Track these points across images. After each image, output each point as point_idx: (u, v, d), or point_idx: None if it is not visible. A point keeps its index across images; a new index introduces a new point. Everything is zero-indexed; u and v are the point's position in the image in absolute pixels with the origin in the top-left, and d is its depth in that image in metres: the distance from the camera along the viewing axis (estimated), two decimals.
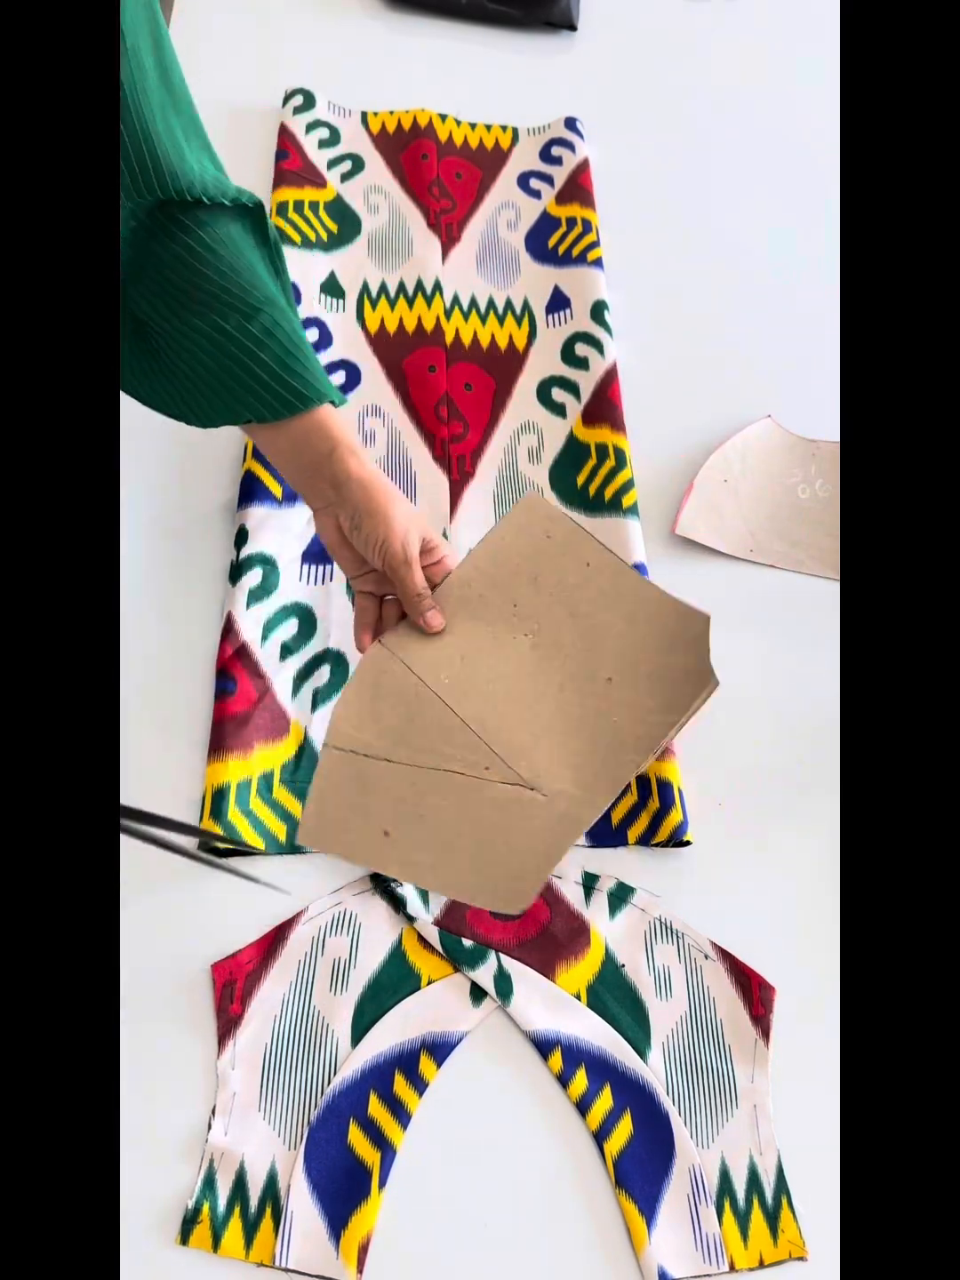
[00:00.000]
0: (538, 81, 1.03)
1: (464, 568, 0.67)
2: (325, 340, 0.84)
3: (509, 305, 0.87)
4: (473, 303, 0.87)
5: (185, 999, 0.58)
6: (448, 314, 0.86)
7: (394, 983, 0.59)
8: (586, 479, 0.78)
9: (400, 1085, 0.56)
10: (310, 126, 0.96)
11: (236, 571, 0.71)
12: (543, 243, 0.91)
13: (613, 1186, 0.54)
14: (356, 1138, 0.54)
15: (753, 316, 0.88)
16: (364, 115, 0.98)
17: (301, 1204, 0.53)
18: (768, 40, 1.09)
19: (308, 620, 0.71)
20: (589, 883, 0.62)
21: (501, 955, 0.59)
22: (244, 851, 0.63)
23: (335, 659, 0.69)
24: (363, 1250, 0.52)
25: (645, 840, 0.63)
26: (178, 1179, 0.53)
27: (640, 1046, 0.57)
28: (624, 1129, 0.55)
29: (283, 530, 0.73)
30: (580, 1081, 0.56)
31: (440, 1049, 0.57)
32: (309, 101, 0.97)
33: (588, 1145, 0.55)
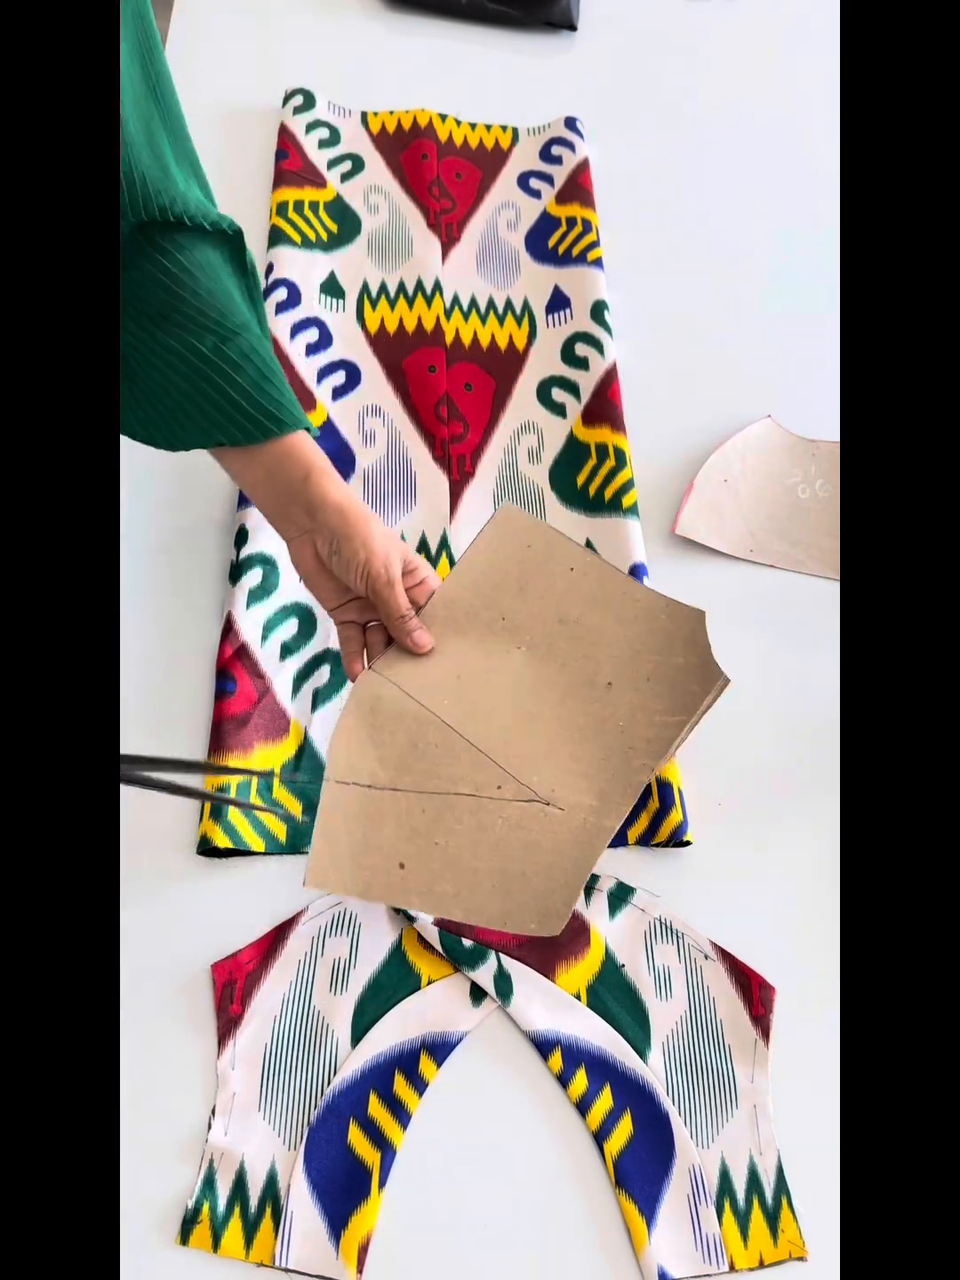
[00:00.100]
0: (538, 81, 1.03)
1: (448, 586, 0.65)
2: (325, 340, 0.84)
3: (509, 305, 0.87)
4: (473, 303, 0.87)
5: (185, 999, 0.58)
6: (448, 314, 0.86)
7: (394, 983, 0.59)
8: (586, 479, 0.78)
9: (400, 1085, 0.56)
10: (310, 126, 0.96)
11: (236, 571, 0.71)
12: (543, 243, 0.91)
13: (613, 1186, 0.54)
14: (356, 1138, 0.54)
15: (753, 316, 0.88)
16: (364, 115, 0.98)
17: (301, 1204, 0.53)
18: (768, 40, 1.09)
19: (308, 620, 0.71)
20: (589, 883, 0.62)
21: (501, 955, 0.59)
22: (243, 803, 0.62)
23: (335, 659, 0.69)
24: (363, 1250, 0.52)
25: (645, 840, 0.63)
26: (178, 1179, 0.53)
27: (640, 1046, 0.57)
28: (624, 1129, 0.55)
29: None
30: (580, 1081, 0.56)
31: (440, 1049, 0.57)
32: (309, 101, 0.97)
33: (588, 1145, 0.55)
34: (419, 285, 0.87)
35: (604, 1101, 0.56)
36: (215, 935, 0.59)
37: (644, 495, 0.77)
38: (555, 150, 0.96)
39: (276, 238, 0.88)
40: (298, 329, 0.84)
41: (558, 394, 0.83)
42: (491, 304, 0.87)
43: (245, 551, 0.71)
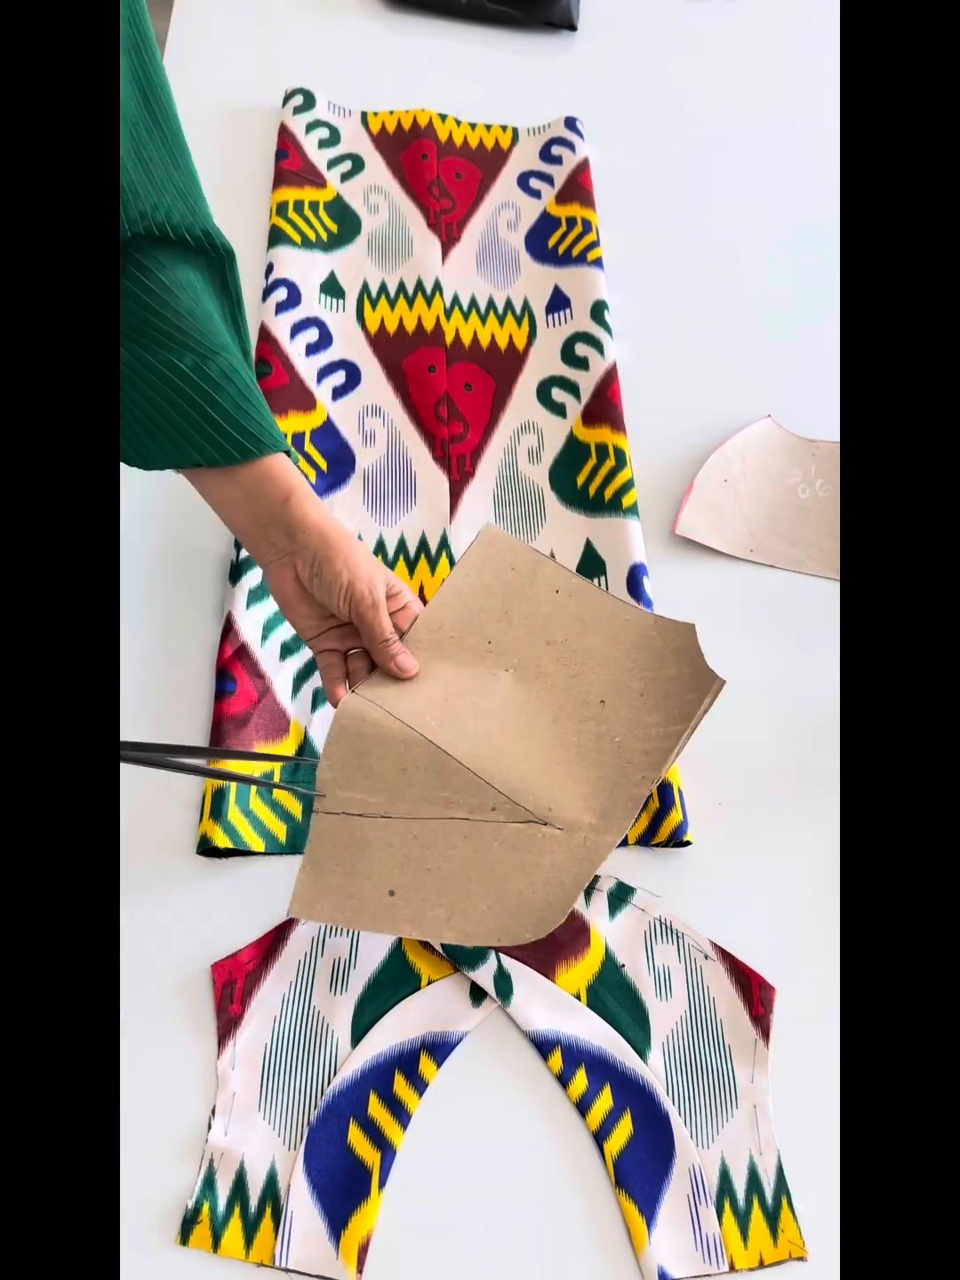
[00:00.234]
0: (538, 81, 1.03)
1: (431, 611, 0.64)
2: (325, 340, 0.84)
3: (509, 305, 0.87)
4: (473, 303, 0.87)
5: (185, 999, 0.58)
6: (448, 314, 0.86)
7: (394, 983, 0.59)
8: (586, 479, 0.78)
9: (400, 1085, 0.56)
10: (310, 126, 0.96)
11: (236, 572, 0.71)
12: (543, 242, 0.91)
13: (613, 1186, 0.54)
14: (356, 1138, 0.54)
15: (753, 316, 0.88)
16: (364, 115, 0.98)
17: (301, 1204, 0.53)
18: (767, 40, 1.09)
19: None
20: (589, 883, 0.62)
21: (501, 955, 0.59)
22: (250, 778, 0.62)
23: None
24: (363, 1250, 0.52)
25: (645, 840, 0.63)
26: (178, 1179, 0.53)
27: (640, 1046, 0.57)
28: (624, 1129, 0.55)
29: None
30: (580, 1081, 0.56)
31: (440, 1049, 0.57)
32: (309, 101, 0.97)
33: (588, 1145, 0.55)
34: (419, 285, 0.87)
35: (604, 1101, 0.56)
36: (215, 935, 0.59)
37: (644, 495, 0.77)
38: (555, 150, 0.96)
39: (276, 238, 0.88)
40: (298, 329, 0.84)
41: (558, 394, 0.83)
42: (491, 304, 0.87)
43: (245, 552, 0.71)
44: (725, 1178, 0.54)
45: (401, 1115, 0.55)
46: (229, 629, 0.68)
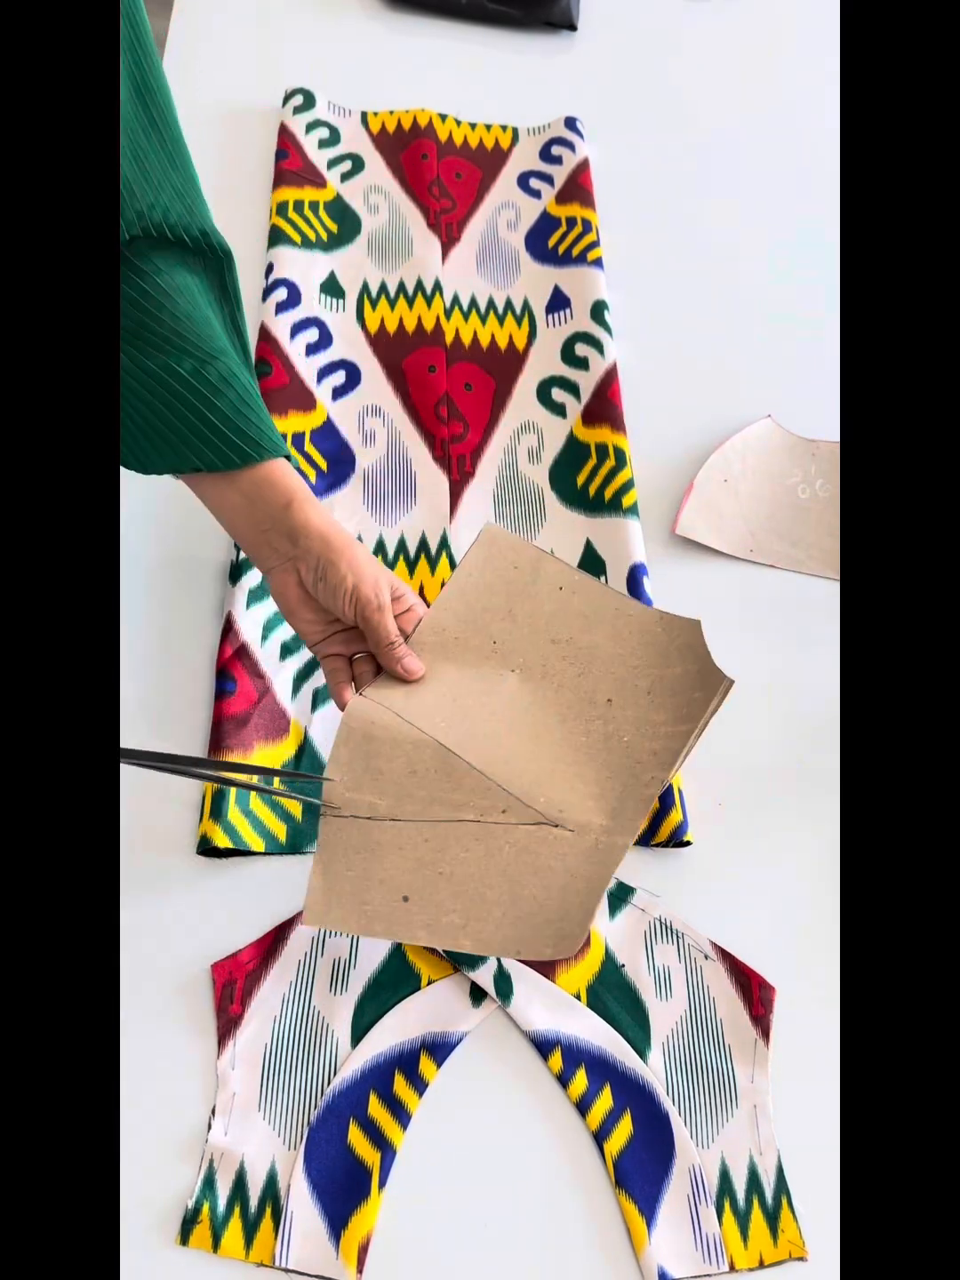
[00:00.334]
0: (538, 81, 1.03)
1: (435, 612, 0.64)
2: (325, 340, 0.84)
3: (509, 305, 0.87)
4: (473, 303, 0.87)
5: (185, 999, 0.58)
6: (448, 314, 0.86)
7: (394, 983, 0.59)
8: (586, 479, 0.78)
9: (400, 1085, 0.56)
10: (310, 126, 0.96)
11: (236, 572, 0.71)
12: (543, 242, 0.91)
13: (613, 1186, 0.54)
14: (356, 1138, 0.54)
15: (753, 316, 0.88)
16: (364, 115, 0.98)
17: (301, 1204, 0.53)
18: (767, 40, 1.09)
19: None
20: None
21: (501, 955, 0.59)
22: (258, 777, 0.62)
23: None
24: (363, 1250, 0.52)
25: (645, 840, 0.63)
26: (178, 1179, 0.53)
27: (640, 1046, 0.57)
28: (624, 1129, 0.55)
29: None
30: (580, 1081, 0.56)
31: (440, 1049, 0.57)
32: (309, 101, 0.97)
33: (588, 1145, 0.55)
34: (419, 285, 0.87)
35: (604, 1101, 0.56)
36: (215, 935, 0.59)
37: (644, 495, 0.77)
38: (555, 150, 0.96)
39: (276, 238, 0.88)
40: (298, 329, 0.84)
41: (558, 394, 0.83)
42: (491, 304, 0.87)
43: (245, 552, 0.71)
44: (725, 1178, 0.54)
45: (401, 1115, 0.55)
46: (229, 629, 0.68)
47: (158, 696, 0.67)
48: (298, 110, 0.96)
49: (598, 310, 0.85)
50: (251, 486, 0.60)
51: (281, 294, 0.84)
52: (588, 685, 0.62)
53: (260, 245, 0.88)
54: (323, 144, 0.95)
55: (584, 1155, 0.55)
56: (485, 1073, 0.57)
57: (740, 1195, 0.54)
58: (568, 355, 0.84)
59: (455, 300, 0.87)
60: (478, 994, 0.58)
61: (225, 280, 0.63)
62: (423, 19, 1.07)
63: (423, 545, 0.75)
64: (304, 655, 0.69)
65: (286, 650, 0.69)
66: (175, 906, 0.60)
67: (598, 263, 0.89)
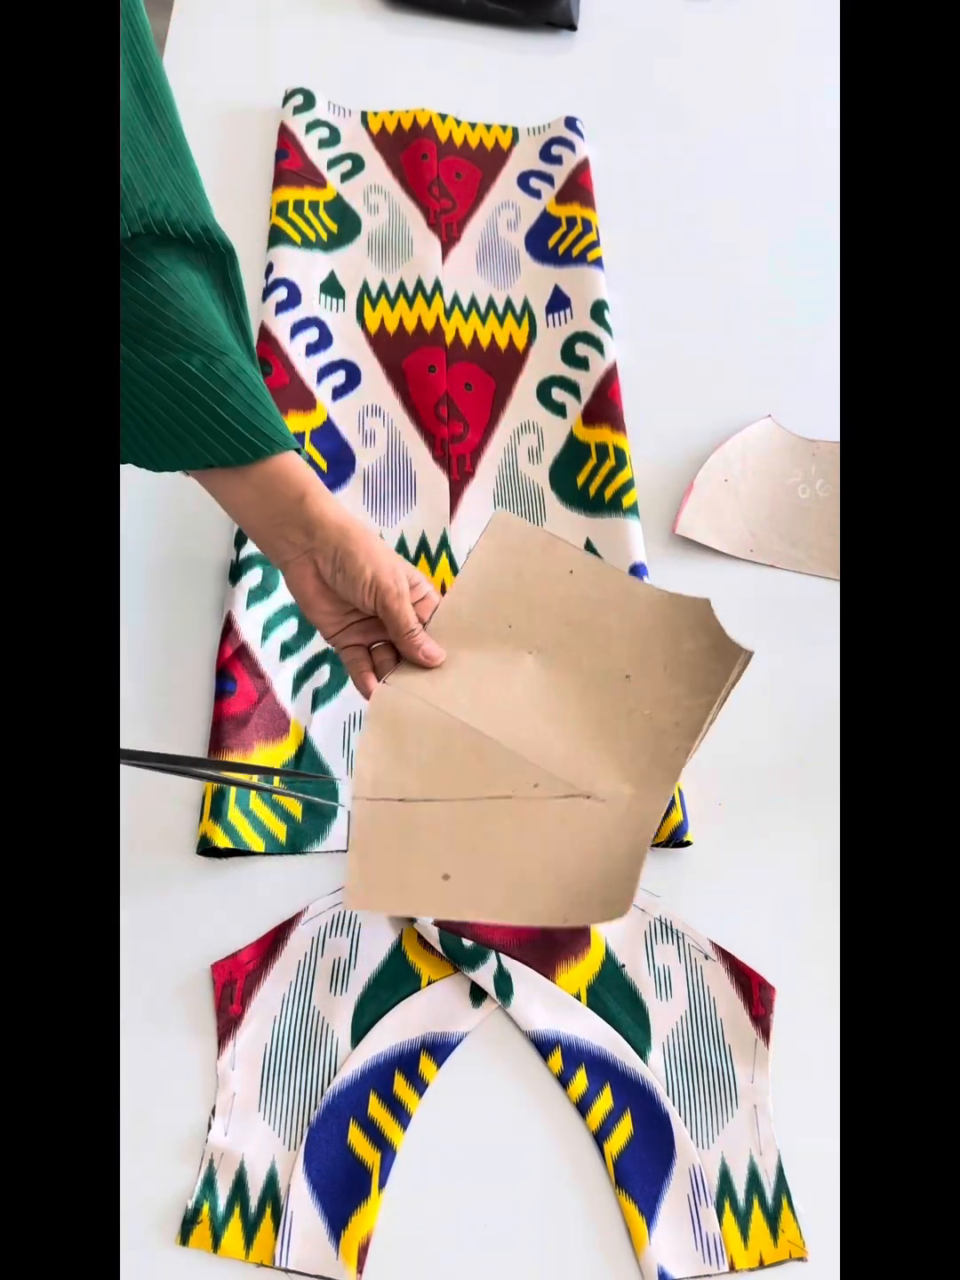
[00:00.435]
0: (538, 81, 1.03)
1: (451, 599, 0.64)
2: (325, 340, 0.84)
3: (509, 305, 0.87)
4: (473, 302, 0.87)
5: (185, 999, 0.58)
6: (448, 314, 0.86)
7: (394, 983, 0.59)
8: (586, 479, 0.78)
9: (400, 1085, 0.56)
10: (310, 126, 0.96)
11: (236, 571, 0.71)
12: (543, 242, 0.91)
13: (613, 1186, 0.54)
14: (356, 1138, 0.54)
15: (753, 316, 0.88)
16: (364, 115, 0.98)
17: (301, 1204, 0.53)
18: (767, 40, 1.09)
19: (308, 620, 0.71)
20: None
21: (501, 955, 0.59)
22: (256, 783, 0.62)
23: (335, 659, 0.69)
24: (363, 1250, 0.52)
25: None
26: (178, 1179, 0.53)
27: (640, 1046, 0.57)
28: (624, 1129, 0.55)
29: None
30: (580, 1081, 0.56)
31: (440, 1049, 0.57)
32: (309, 101, 0.97)
33: (588, 1145, 0.55)
34: (419, 285, 0.87)
35: (604, 1101, 0.56)
36: (215, 935, 0.59)
37: (644, 495, 0.77)
38: (555, 150, 0.96)
39: (276, 238, 0.88)
40: (298, 329, 0.84)
41: (558, 394, 0.83)
42: (491, 304, 0.87)
43: (245, 551, 0.71)
44: (725, 1178, 0.54)
45: (401, 1115, 0.55)
46: (229, 629, 0.68)
47: (158, 696, 0.67)
48: (298, 110, 0.96)
49: (598, 310, 0.85)
50: (264, 481, 0.60)
51: (281, 294, 0.84)
52: (605, 664, 0.63)
53: (260, 245, 0.88)
54: (323, 144, 0.95)
55: (584, 1155, 0.55)
56: (485, 1073, 0.57)
57: (740, 1195, 0.54)
58: (568, 355, 0.84)
59: (455, 300, 0.87)
60: (478, 994, 0.58)
61: (228, 275, 0.63)
62: (423, 19, 1.07)
63: (423, 545, 0.75)
64: (304, 655, 0.69)
65: (286, 650, 0.69)
66: (175, 906, 0.60)
67: (598, 263, 0.89)
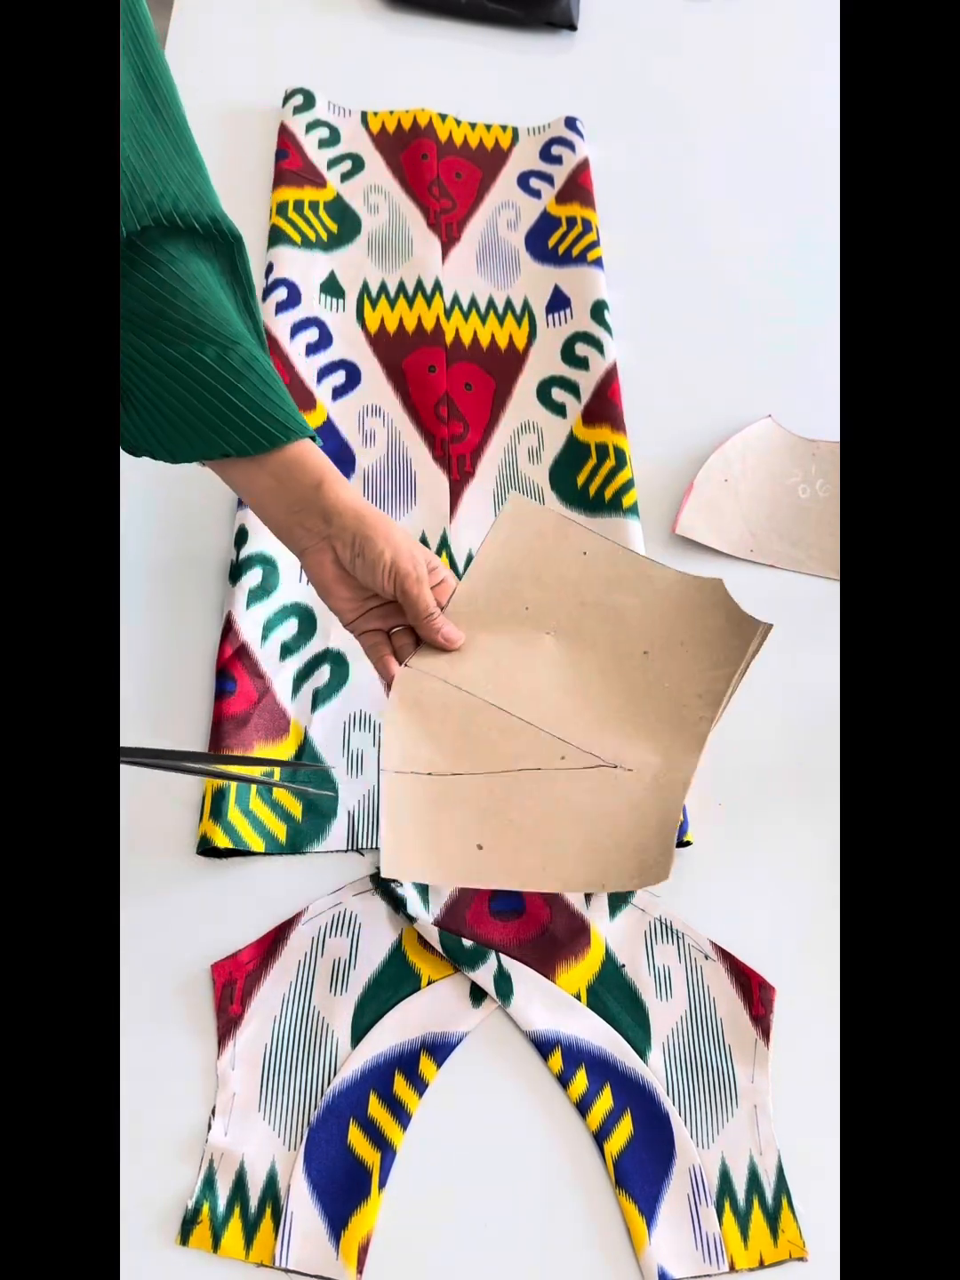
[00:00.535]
0: (538, 81, 1.03)
1: (467, 583, 0.65)
2: (325, 340, 0.84)
3: (509, 305, 0.87)
4: (473, 302, 0.87)
5: (185, 999, 0.58)
6: (448, 314, 0.86)
7: (394, 983, 0.59)
8: (586, 479, 0.78)
9: (400, 1085, 0.56)
10: (310, 126, 0.96)
11: (236, 571, 0.71)
12: (543, 242, 0.91)
13: (613, 1186, 0.54)
14: (356, 1138, 0.54)
15: (753, 316, 0.88)
16: (364, 115, 0.98)
17: (301, 1204, 0.53)
18: (767, 40, 1.09)
19: (308, 620, 0.71)
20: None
21: (501, 955, 0.59)
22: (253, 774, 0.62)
23: (335, 659, 0.69)
24: (363, 1250, 0.52)
25: None
26: (178, 1179, 0.53)
27: (640, 1046, 0.57)
28: (624, 1129, 0.55)
29: None
30: (580, 1082, 0.56)
31: (440, 1049, 0.57)
32: (309, 101, 0.97)
33: (588, 1145, 0.55)
34: (419, 285, 0.87)
35: (604, 1101, 0.56)
36: (215, 935, 0.59)
37: (644, 495, 0.77)
38: (555, 150, 0.96)
39: (276, 238, 0.88)
40: (298, 329, 0.84)
41: (558, 394, 0.83)
42: (491, 304, 0.87)
43: (245, 551, 0.71)
44: (725, 1178, 0.54)
45: (401, 1115, 0.55)
46: (229, 629, 0.68)
47: (158, 696, 0.67)
48: (298, 110, 0.96)
49: (598, 310, 0.85)
50: (281, 469, 0.60)
51: (281, 294, 0.84)
52: (623, 642, 0.63)
53: (260, 245, 0.88)
54: (323, 144, 0.95)
55: (584, 1155, 0.55)
56: (485, 1073, 0.57)
57: (740, 1195, 0.54)
58: (568, 355, 0.84)
59: (455, 300, 0.87)
60: (478, 994, 0.58)
61: (237, 265, 0.63)
62: (423, 19, 1.07)
63: (423, 545, 0.75)
64: (304, 655, 0.69)
65: (286, 650, 0.69)
66: (175, 906, 0.60)
67: (598, 263, 0.89)
